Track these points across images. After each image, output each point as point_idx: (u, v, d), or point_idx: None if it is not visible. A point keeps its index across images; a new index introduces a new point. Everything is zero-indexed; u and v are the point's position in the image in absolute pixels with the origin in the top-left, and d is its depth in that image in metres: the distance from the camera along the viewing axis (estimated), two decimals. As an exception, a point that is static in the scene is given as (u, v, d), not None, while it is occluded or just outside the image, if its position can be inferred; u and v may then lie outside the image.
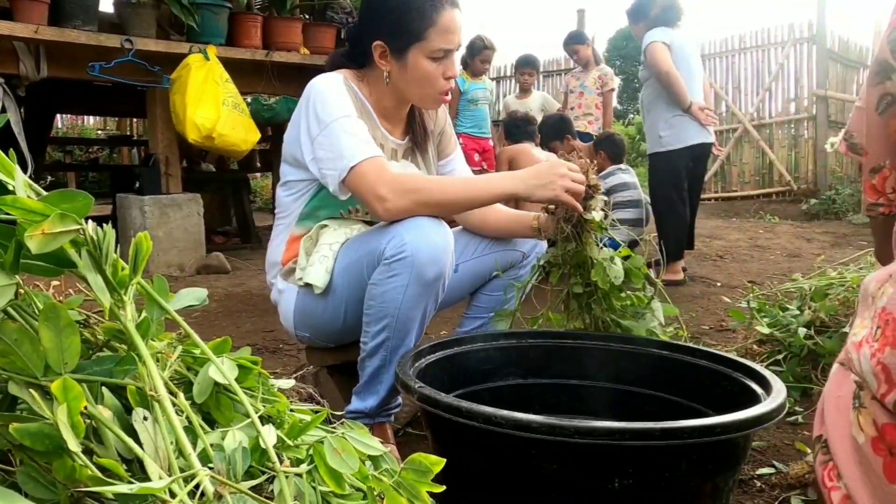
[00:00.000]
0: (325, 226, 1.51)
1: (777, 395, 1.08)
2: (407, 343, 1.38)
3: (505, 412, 0.97)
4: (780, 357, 1.88)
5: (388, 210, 1.35)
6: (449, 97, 1.54)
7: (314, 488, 0.63)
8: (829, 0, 7.45)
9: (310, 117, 1.43)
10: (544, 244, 1.63)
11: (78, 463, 0.52)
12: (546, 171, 1.37)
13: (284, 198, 1.56)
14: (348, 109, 1.42)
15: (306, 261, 1.47)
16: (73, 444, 0.50)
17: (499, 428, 0.96)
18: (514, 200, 1.59)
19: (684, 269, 3.74)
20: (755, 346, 2.00)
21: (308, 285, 1.45)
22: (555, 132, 4.24)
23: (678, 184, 3.68)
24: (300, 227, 1.54)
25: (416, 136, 1.61)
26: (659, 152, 3.65)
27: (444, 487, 0.71)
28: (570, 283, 1.49)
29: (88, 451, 0.56)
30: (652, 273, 3.81)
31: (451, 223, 1.78)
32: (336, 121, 1.40)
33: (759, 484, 1.37)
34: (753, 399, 1.13)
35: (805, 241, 5.18)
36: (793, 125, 7.93)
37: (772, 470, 1.42)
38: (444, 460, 0.71)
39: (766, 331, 1.95)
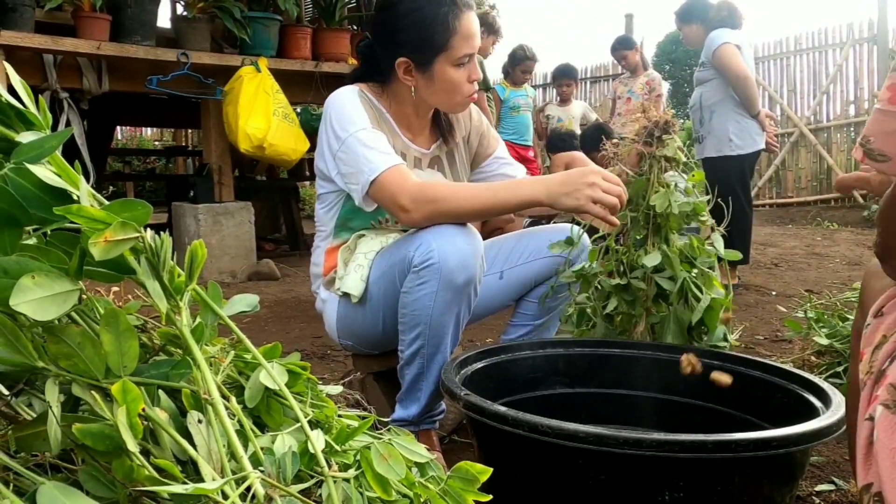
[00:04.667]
0: (363, 235, 1.52)
1: (837, 408, 1.04)
2: (442, 350, 1.37)
3: (551, 421, 0.96)
4: (839, 369, 1.81)
5: (411, 220, 1.37)
6: (475, 97, 1.52)
7: (361, 493, 0.64)
8: (891, -2, 7.18)
9: (329, 133, 1.45)
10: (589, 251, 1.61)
11: (136, 463, 0.53)
12: (575, 178, 1.31)
13: (320, 211, 1.58)
14: (363, 122, 1.42)
15: (344, 270, 1.49)
16: (132, 445, 0.52)
17: (545, 437, 0.95)
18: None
19: (738, 277, 3.66)
20: (813, 358, 1.93)
21: (346, 294, 1.47)
22: (593, 143, 4.20)
23: (747, 187, 3.67)
24: (337, 240, 1.56)
25: (446, 140, 1.60)
26: (730, 155, 3.55)
27: (490, 497, 0.71)
28: (627, 214, 1.43)
29: (145, 452, 0.57)
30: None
31: (500, 229, 1.78)
32: (352, 135, 1.40)
33: (817, 501, 1.32)
34: (811, 412, 1.09)
35: (866, 249, 4.98)
36: (852, 128, 7.65)
37: (831, 486, 1.36)
38: (491, 469, 0.71)
39: (824, 342, 1.88)
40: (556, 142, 4.02)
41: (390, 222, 1.55)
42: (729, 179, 3.55)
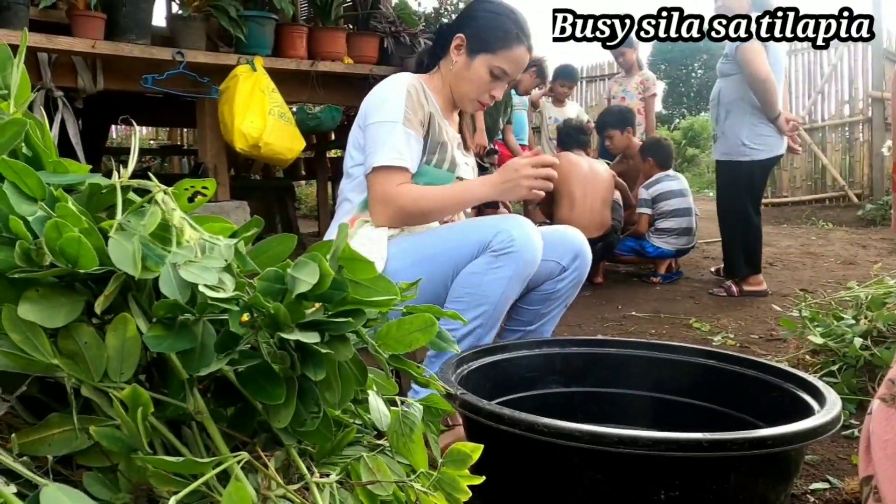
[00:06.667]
0: (368, 221, 1.56)
1: (831, 407, 1.05)
2: (495, 330, 1.49)
3: (547, 420, 0.96)
4: (834, 368, 1.82)
5: (383, 216, 1.51)
6: (484, 107, 1.70)
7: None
8: (886, -2, 7.19)
9: (367, 109, 1.60)
10: (586, 256, 1.61)
11: (147, 464, 0.53)
12: (510, 174, 1.49)
13: (346, 187, 1.64)
14: (398, 116, 1.54)
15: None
16: (146, 447, 0.53)
17: (541, 436, 0.96)
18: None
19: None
20: (808, 357, 1.94)
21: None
22: (618, 120, 4.23)
23: (756, 195, 3.41)
24: (362, 214, 1.59)
25: (464, 137, 1.77)
26: (740, 161, 3.31)
27: (483, 478, 0.71)
28: None
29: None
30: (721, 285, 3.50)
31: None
32: (382, 123, 1.54)
33: (812, 499, 1.33)
34: (806, 411, 1.10)
35: (861, 248, 5.00)
36: (847, 128, 7.67)
37: (826, 485, 1.37)
38: (482, 446, 0.71)
39: (819, 341, 1.89)
40: (563, 136, 4.02)
41: None
42: (735, 185, 3.35)
